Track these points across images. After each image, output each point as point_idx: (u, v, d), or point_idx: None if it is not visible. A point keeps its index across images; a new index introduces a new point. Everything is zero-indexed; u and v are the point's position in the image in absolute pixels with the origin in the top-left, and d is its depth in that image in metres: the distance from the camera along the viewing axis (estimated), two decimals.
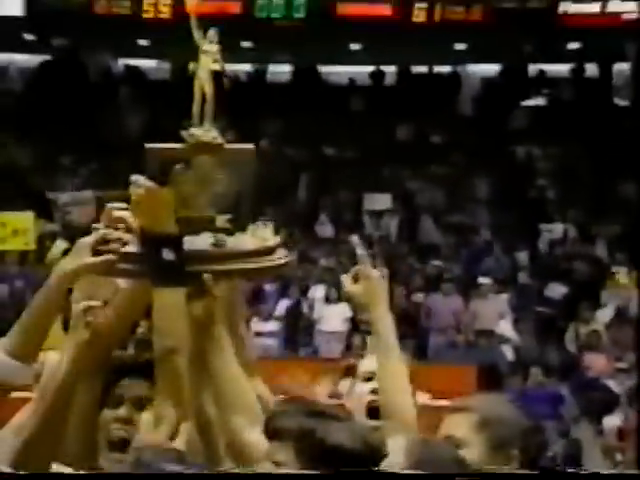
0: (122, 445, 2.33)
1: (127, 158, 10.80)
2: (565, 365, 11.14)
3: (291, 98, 16.82)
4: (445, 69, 18.07)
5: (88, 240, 2.19)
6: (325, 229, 14.47)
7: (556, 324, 12.05)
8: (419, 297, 12.40)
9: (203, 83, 2.45)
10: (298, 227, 14.25)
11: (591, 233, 13.82)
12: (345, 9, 16.49)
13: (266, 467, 1.99)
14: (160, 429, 2.33)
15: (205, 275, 2.19)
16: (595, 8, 15.87)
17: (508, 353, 11.44)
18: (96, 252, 2.17)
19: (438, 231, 14.27)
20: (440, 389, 8.94)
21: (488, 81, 17.49)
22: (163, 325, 2.24)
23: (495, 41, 16.11)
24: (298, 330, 12.10)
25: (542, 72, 17.35)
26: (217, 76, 2.42)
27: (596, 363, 10.78)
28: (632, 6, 15.19)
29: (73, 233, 8.40)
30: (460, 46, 17.33)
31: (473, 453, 2.26)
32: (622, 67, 16.49)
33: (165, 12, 16.41)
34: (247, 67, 18.05)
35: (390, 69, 17.84)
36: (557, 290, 12.55)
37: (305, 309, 12.35)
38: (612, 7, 15.77)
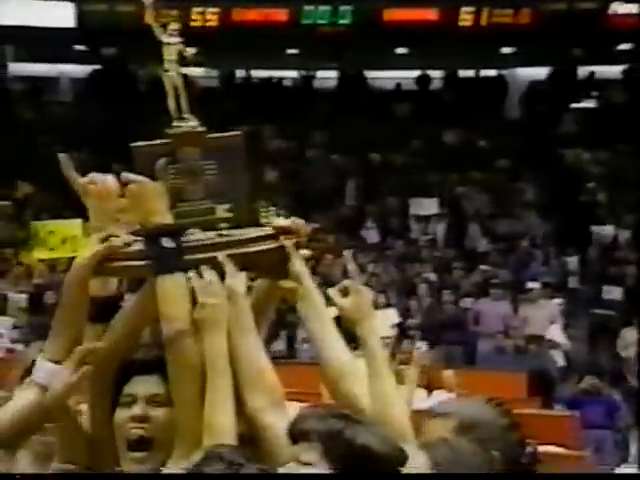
0: (141, 444, 2.30)
1: None
2: (617, 371, 10.96)
3: (337, 104, 16.80)
4: (492, 73, 17.93)
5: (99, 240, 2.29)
6: (371, 235, 14.43)
7: (608, 329, 11.87)
8: (467, 302, 12.30)
9: (172, 77, 2.46)
10: (345, 233, 14.23)
11: None
12: (392, 15, 16.46)
13: (292, 467, 2.00)
14: (132, 408, 2.33)
15: (220, 257, 2.27)
16: None
17: (559, 359, 11.29)
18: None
19: (486, 236, 14.15)
20: (489, 395, 8.87)
21: (536, 84, 17.31)
22: (169, 310, 2.25)
23: (543, 44, 15.95)
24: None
25: (592, 74, 17.14)
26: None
27: None
28: None
29: None
30: (507, 50, 17.19)
31: None
32: None
33: (212, 20, 16.53)
34: (293, 74, 18.09)
35: (436, 74, 17.75)
36: (614, 293, 12.36)
37: None
38: None
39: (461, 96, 16.69)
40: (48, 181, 12.38)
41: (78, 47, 17.60)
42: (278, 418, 2.22)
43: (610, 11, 15.76)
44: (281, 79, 18.00)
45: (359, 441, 1.98)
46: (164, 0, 2.44)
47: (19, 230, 12.45)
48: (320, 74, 18.10)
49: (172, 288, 2.25)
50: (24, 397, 2.26)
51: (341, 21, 16.59)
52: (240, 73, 18.29)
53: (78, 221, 2.19)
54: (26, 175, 14.30)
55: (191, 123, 2.44)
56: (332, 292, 2.51)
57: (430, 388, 7.94)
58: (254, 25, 16.41)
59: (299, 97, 17.16)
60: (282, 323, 10.70)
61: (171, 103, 2.45)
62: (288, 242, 2.40)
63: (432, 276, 13.04)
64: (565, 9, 15.83)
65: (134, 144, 2.46)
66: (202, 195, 2.43)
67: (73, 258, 2.33)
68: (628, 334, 11.31)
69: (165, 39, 2.47)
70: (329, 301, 2.48)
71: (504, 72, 17.74)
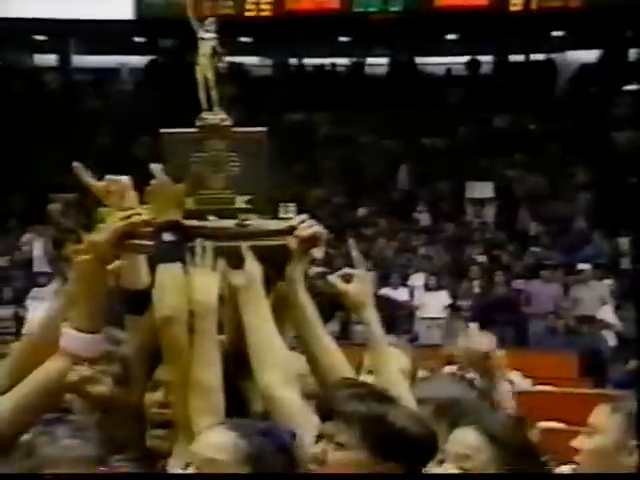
0: (162, 425, 2.42)
1: None
2: None
3: (389, 90, 16.74)
4: (542, 57, 17.68)
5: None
6: (423, 218, 14.38)
7: None
8: (519, 284, 12.21)
9: (204, 69, 2.50)
10: (397, 217, 14.21)
11: None
12: (442, 1, 16.30)
13: (321, 447, 2.01)
14: (156, 393, 2.43)
15: (243, 246, 2.39)
16: None
17: (610, 339, 11.15)
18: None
19: (536, 219, 14.00)
20: (541, 375, 8.79)
21: (587, 67, 17.03)
22: (159, 299, 2.35)
23: (594, 27, 15.67)
24: (396, 317, 12.05)
25: None
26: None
27: None
28: None
29: None
30: (557, 33, 16.92)
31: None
32: None
33: (266, 10, 16.56)
34: (345, 61, 18.05)
35: (486, 59, 17.57)
36: None
37: (405, 296, 12.31)
38: None
39: (511, 80, 16.51)
40: (110, 167, 12.56)
41: (137, 39, 17.77)
42: (290, 393, 2.26)
43: None
44: (334, 66, 17.98)
45: (398, 424, 1.99)
46: None
47: (84, 217, 12.65)
48: (372, 61, 18.03)
49: (167, 278, 2.35)
50: (54, 363, 2.32)
51: (392, 8, 16.49)
52: (293, 61, 18.30)
53: (141, 207, 2.27)
54: (89, 162, 14.49)
55: (220, 116, 2.50)
56: (334, 278, 2.55)
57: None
58: (307, 14, 16.40)
59: (351, 84, 17.12)
60: (337, 306, 10.72)
61: (202, 95, 2.50)
62: (296, 244, 2.45)
63: (483, 258, 12.98)
64: None
65: (163, 130, 2.53)
66: (223, 185, 2.49)
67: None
68: None
69: (201, 34, 2.54)
70: (332, 287, 2.51)
71: (554, 56, 17.48)
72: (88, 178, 2.59)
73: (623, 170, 14.55)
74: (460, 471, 1.94)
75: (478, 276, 12.38)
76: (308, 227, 2.45)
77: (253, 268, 2.40)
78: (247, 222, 2.44)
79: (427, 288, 12.26)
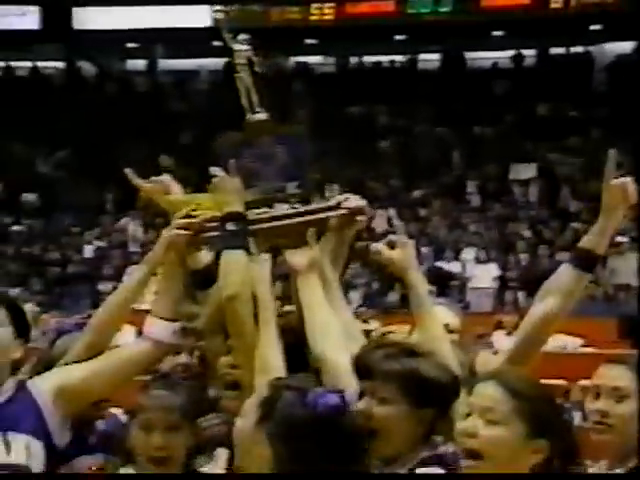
0: (232, 386, 2.43)
1: None
2: None
3: (441, 83, 16.60)
4: (581, 49, 17.31)
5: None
6: (474, 198, 14.27)
7: None
8: (561, 256, 12.04)
9: (243, 78, 2.55)
10: (450, 198, 14.12)
11: None
12: (488, 1, 16.07)
13: (365, 403, 1.99)
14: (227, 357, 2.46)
15: (308, 233, 2.39)
16: None
17: None
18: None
19: (577, 197, 13.77)
20: (586, 340, 8.69)
21: (622, 58, 16.61)
22: (225, 279, 2.37)
23: (629, 21, 15.25)
24: (449, 287, 11.98)
25: None
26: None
27: None
28: None
29: None
30: (595, 27, 16.53)
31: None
32: None
33: (329, 14, 16.56)
34: (400, 58, 17.93)
35: (530, 52, 17.29)
36: None
37: (458, 269, 12.24)
38: None
39: (552, 72, 16.23)
40: (189, 159, 12.69)
41: (215, 43, 17.88)
42: (339, 357, 2.24)
43: None
44: (391, 62, 17.88)
45: (431, 375, 2.00)
46: None
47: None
48: (425, 57, 17.89)
49: (231, 262, 2.38)
50: (137, 346, 2.36)
51: (442, 9, 16.34)
52: (354, 59, 18.23)
53: (211, 195, 2.30)
54: (172, 152, 14.66)
55: (261, 115, 2.54)
56: (379, 246, 2.50)
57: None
58: (365, 16, 16.40)
59: (407, 78, 17.01)
60: (396, 277, 10.71)
61: (244, 100, 2.54)
62: (336, 218, 2.45)
63: (528, 233, 12.84)
64: None
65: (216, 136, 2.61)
66: (274, 175, 2.51)
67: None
68: None
69: (235, 47, 2.58)
70: (378, 254, 2.48)
71: (591, 48, 17.10)
72: (137, 180, 2.66)
73: None
74: (486, 424, 1.91)
75: (524, 250, 12.26)
76: (351, 201, 2.46)
77: (315, 252, 2.40)
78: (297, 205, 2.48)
79: (477, 261, 12.20)
